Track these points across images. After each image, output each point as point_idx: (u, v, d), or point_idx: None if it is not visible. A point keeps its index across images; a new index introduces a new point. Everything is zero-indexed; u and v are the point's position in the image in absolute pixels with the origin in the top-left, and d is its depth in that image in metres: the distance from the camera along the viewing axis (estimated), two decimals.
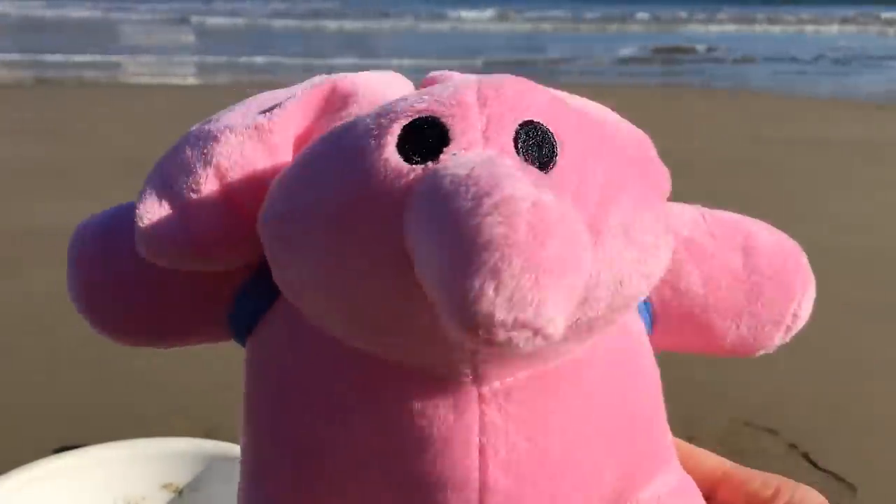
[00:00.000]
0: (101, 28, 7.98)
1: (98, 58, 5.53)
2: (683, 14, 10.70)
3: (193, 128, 0.24)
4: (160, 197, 0.22)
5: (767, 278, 0.27)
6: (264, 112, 0.23)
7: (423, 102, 0.20)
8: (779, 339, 0.27)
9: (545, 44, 7.49)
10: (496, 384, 0.21)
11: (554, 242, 0.15)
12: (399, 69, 0.28)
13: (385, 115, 0.20)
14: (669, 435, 0.26)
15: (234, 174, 0.22)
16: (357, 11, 10.13)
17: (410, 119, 0.19)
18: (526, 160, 0.19)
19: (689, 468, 0.27)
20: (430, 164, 0.19)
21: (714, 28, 9.49)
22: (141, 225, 0.22)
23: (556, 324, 0.15)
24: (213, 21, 8.86)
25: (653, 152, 0.25)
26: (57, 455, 0.63)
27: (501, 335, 0.15)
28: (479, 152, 0.18)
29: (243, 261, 0.23)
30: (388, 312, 0.19)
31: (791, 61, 6.35)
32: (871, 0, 11.68)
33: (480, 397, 0.21)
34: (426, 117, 0.19)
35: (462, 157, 0.18)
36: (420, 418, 0.21)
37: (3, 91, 4.04)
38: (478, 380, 0.21)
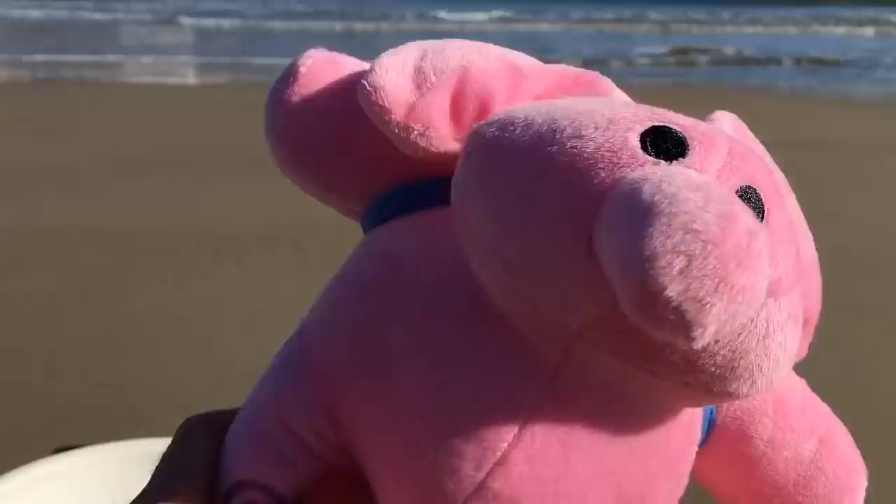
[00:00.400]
0: (99, 28, 7.98)
1: (97, 58, 5.54)
2: (685, 15, 10.70)
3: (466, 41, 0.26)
4: (406, 59, 0.23)
5: (824, 477, 0.27)
6: (527, 66, 0.25)
7: (683, 121, 0.21)
8: None
9: (551, 45, 7.49)
10: (568, 387, 0.22)
11: (749, 269, 0.16)
12: None
13: (647, 112, 0.21)
14: None
15: (474, 85, 0.23)
16: (361, 13, 10.13)
17: (664, 124, 0.21)
18: None
19: None
20: (663, 161, 0.20)
21: (716, 29, 9.49)
22: (375, 69, 0.23)
23: (704, 334, 0.16)
24: (212, 22, 8.86)
25: (818, 285, 0.25)
26: (56, 455, 0.63)
27: (658, 309, 0.16)
28: (717, 182, 0.19)
29: (423, 154, 0.24)
30: (536, 250, 0.20)
31: (793, 62, 6.35)
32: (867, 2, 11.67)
33: (550, 386, 0.22)
34: (678, 132, 0.21)
35: (695, 174, 0.19)
36: (491, 369, 0.22)
37: (2, 91, 4.04)
38: (559, 371, 0.21)
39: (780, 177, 0.25)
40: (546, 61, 0.26)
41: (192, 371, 1.18)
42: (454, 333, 0.22)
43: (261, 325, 1.27)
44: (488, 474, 0.21)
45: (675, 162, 0.20)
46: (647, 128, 0.20)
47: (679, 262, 0.16)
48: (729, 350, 0.19)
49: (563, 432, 0.22)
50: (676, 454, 0.24)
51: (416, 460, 0.22)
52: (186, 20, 8.78)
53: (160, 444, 0.64)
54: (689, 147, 0.20)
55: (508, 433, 0.21)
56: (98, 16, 9.03)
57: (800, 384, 0.28)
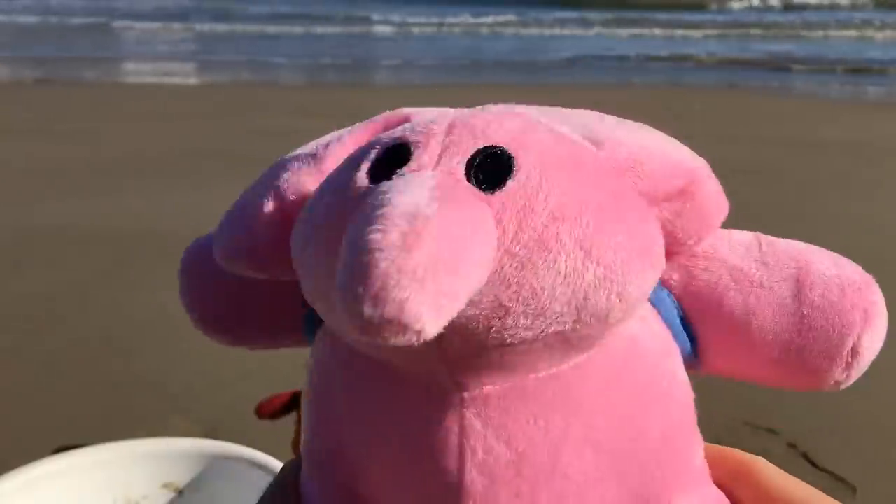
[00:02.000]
0: (100, 29, 7.97)
1: (98, 57, 5.53)
2: (683, 18, 10.70)
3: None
4: (234, 213, 0.26)
5: (819, 310, 0.26)
6: (325, 145, 0.27)
7: (401, 131, 0.23)
8: (839, 374, 0.26)
9: (554, 46, 7.50)
10: (476, 391, 0.23)
11: (421, 250, 0.17)
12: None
13: (373, 143, 0.23)
14: (698, 457, 0.26)
15: (290, 196, 0.25)
16: (363, 16, 10.14)
17: (387, 146, 0.22)
18: (475, 181, 0.21)
19: (774, 497, 0.26)
20: (383, 182, 0.20)
21: (715, 32, 9.49)
22: (217, 235, 0.25)
23: (424, 321, 0.17)
24: (213, 25, 8.86)
25: (697, 183, 0.24)
26: (57, 455, 0.63)
27: (372, 331, 0.17)
28: (422, 172, 0.21)
29: (294, 274, 0.26)
30: None
31: (793, 64, 6.35)
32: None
33: (462, 402, 0.23)
34: (399, 144, 0.22)
35: (402, 177, 0.20)
36: (410, 419, 0.23)
37: (3, 91, 4.04)
38: (458, 386, 0.23)
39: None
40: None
41: (192, 371, 1.18)
42: (371, 404, 0.24)
43: None
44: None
45: (397, 172, 0.21)
46: (371, 162, 0.22)
47: (359, 285, 0.17)
48: (528, 291, 0.20)
49: (498, 432, 0.23)
50: (639, 378, 0.24)
51: None
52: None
53: (160, 444, 0.64)
54: (412, 151, 0.22)
55: (452, 461, 0.23)
56: (97, 17, 9.03)
57: (752, 243, 0.27)
